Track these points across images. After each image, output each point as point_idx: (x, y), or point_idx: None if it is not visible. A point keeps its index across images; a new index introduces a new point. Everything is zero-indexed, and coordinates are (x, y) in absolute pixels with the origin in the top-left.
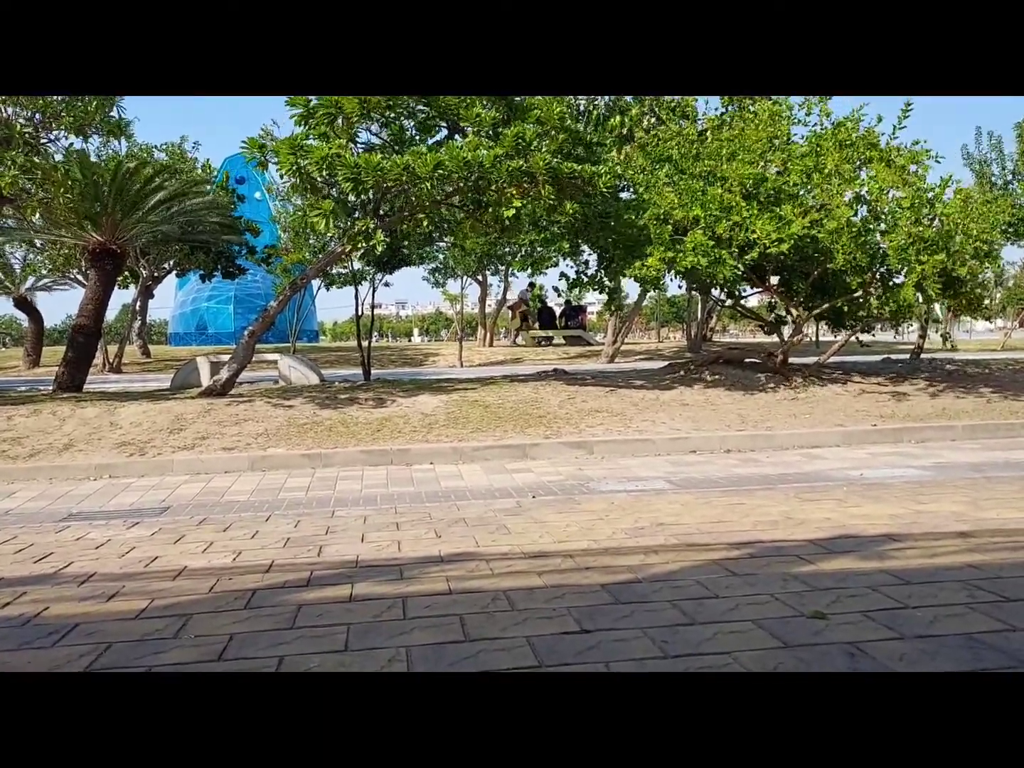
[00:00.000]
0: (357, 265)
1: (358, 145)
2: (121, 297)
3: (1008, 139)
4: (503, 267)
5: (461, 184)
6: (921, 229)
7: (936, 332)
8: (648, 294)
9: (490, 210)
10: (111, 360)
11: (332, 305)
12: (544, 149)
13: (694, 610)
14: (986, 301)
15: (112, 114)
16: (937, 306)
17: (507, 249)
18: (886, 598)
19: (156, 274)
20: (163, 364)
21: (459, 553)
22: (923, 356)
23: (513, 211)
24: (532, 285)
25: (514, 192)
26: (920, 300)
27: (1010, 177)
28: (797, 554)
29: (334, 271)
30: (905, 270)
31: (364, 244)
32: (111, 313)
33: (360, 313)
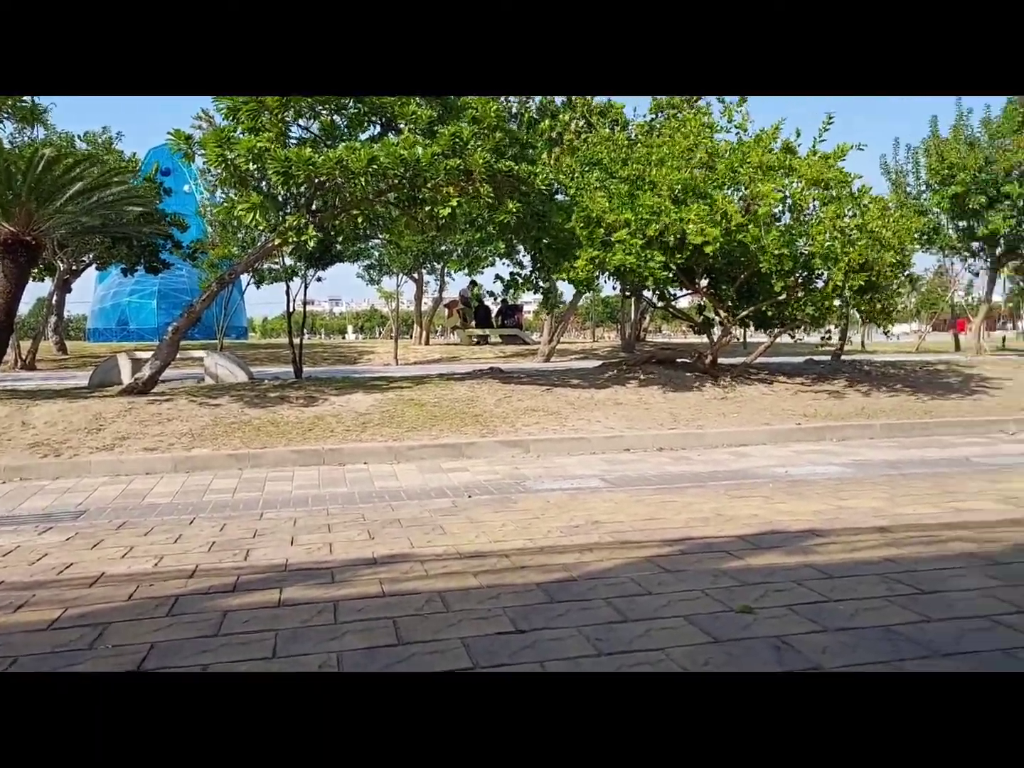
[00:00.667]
0: (288, 261)
1: (290, 139)
2: (36, 291)
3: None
4: (439, 266)
5: (396, 181)
6: (844, 223)
7: (857, 335)
8: (583, 295)
9: (426, 208)
10: (24, 357)
11: (262, 301)
12: (481, 148)
13: (628, 607)
14: (900, 307)
15: (24, 100)
16: (855, 311)
17: (444, 248)
18: (810, 592)
19: (75, 267)
20: (81, 361)
21: (393, 555)
22: (844, 358)
23: (449, 210)
24: (474, 284)
25: (451, 190)
26: (839, 301)
27: (923, 188)
28: (727, 550)
29: (264, 266)
30: (829, 268)
31: (295, 239)
32: (24, 307)
33: (292, 309)
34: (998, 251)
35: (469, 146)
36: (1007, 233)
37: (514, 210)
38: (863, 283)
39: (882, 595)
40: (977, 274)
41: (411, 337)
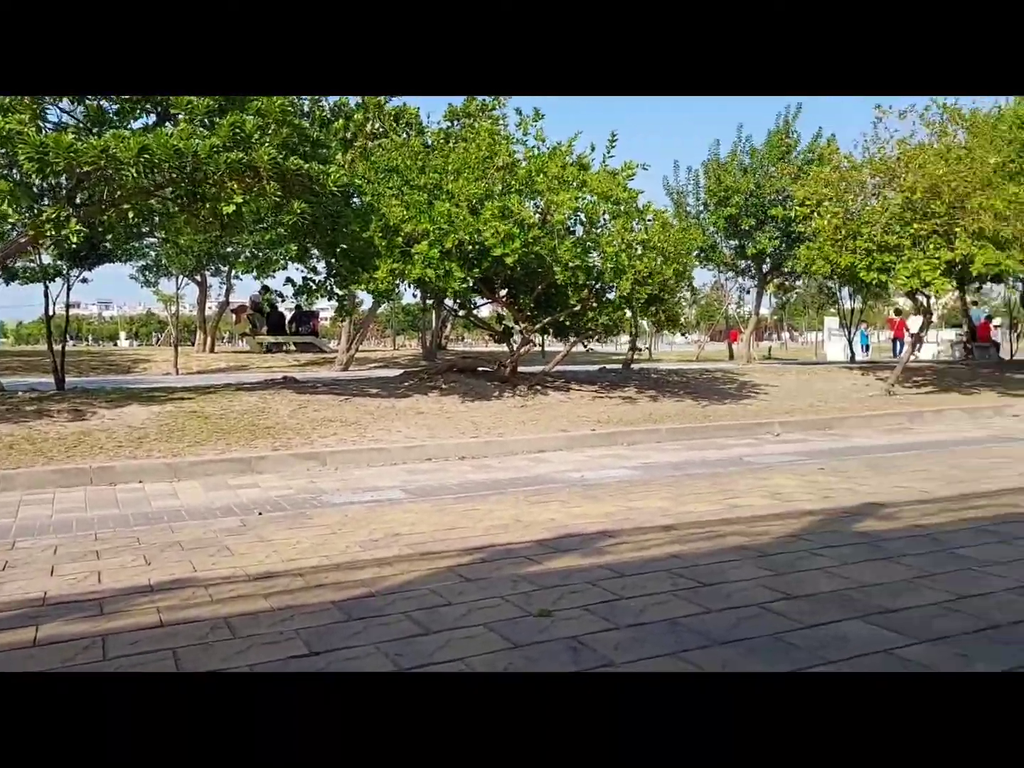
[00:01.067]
0: (47, 258)
1: (47, 123)
2: None
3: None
4: (225, 267)
5: (173, 174)
6: (632, 236)
7: (644, 345)
8: (383, 303)
9: (208, 204)
10: None
11: (15, 303)
12: (268, 143)
13: (428, 619)
14: (682, 318)
15: None
16: (644, 321)
17: (230, 249)
18: (604, 591)
19: None
20: None
21: (173, 580)
22: (633, 366)
23: (234, 207)
24: (266, 288)
25: (235, 187)
26: (629, 313)
27: (702, 208)
28: (526, 555)
29: (17, 264)
30: (618, 281)
31: (54, 234)
32: None
33: (52, 313)
34: (765, 269)
35: (254, 140)
36: (772, 252)
37: (300, 211)
38: (648, 295)
39: (668, 590)
40: (748, 290)
41: (194, 344)
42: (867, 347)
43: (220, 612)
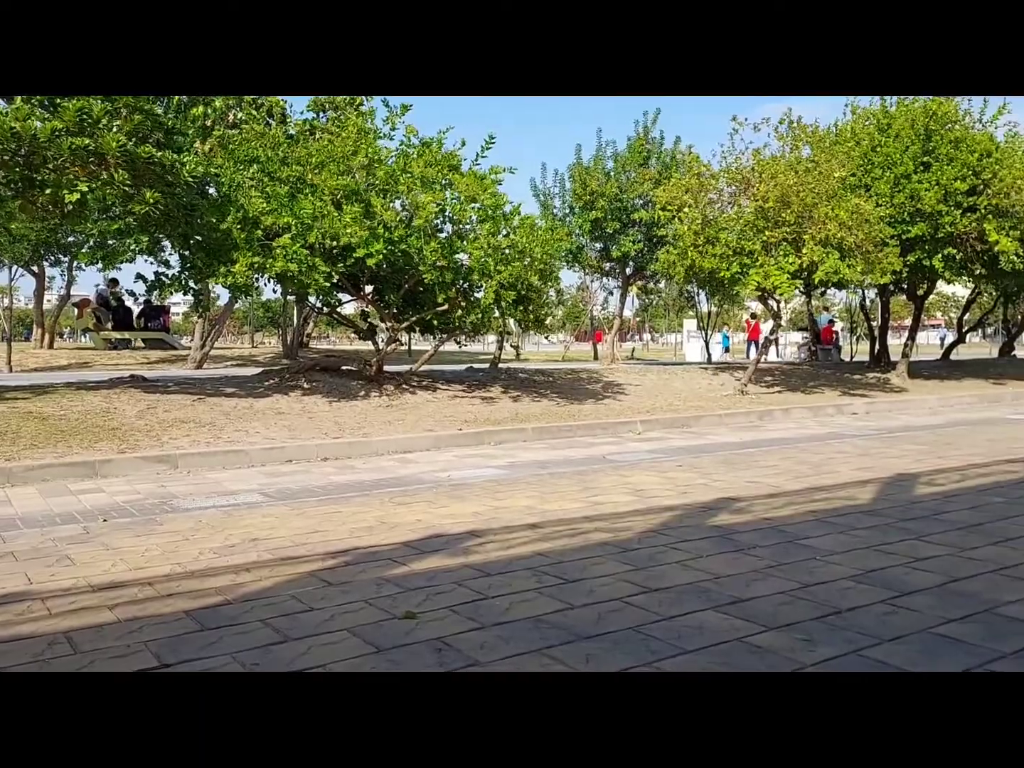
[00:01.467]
0: None
1: None
2: None
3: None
4: (66, 258)
5: (7, 157)
6: (499, 240)
7: (510, 344)
8: (241, 298)
9: (47, 191)
10: None
11: None
12: (116, 129)
13: (288, 626)
14: (549, 320)
15: None
16: (512, 321)
17: (72, 238)
18: (469, 591)
19: None
20: None
21: (5, 594)
22: (501, 365)
23: (78, 195)
24: (114, 281)
25: (79, 173)
26: (498, 313)
27: (568, 211)
28: (391, 557)
29: None
30: (484, 283)
31: None
32: None
33: None
34: (628, 271)
35: (102, 125)
36: (635, 255)
37: (152, 200)
38: (515, 296)
39: (533, 587)
40: (612, 292)
41: (31, 340)
42: (727, 348)
43: (59, 626)
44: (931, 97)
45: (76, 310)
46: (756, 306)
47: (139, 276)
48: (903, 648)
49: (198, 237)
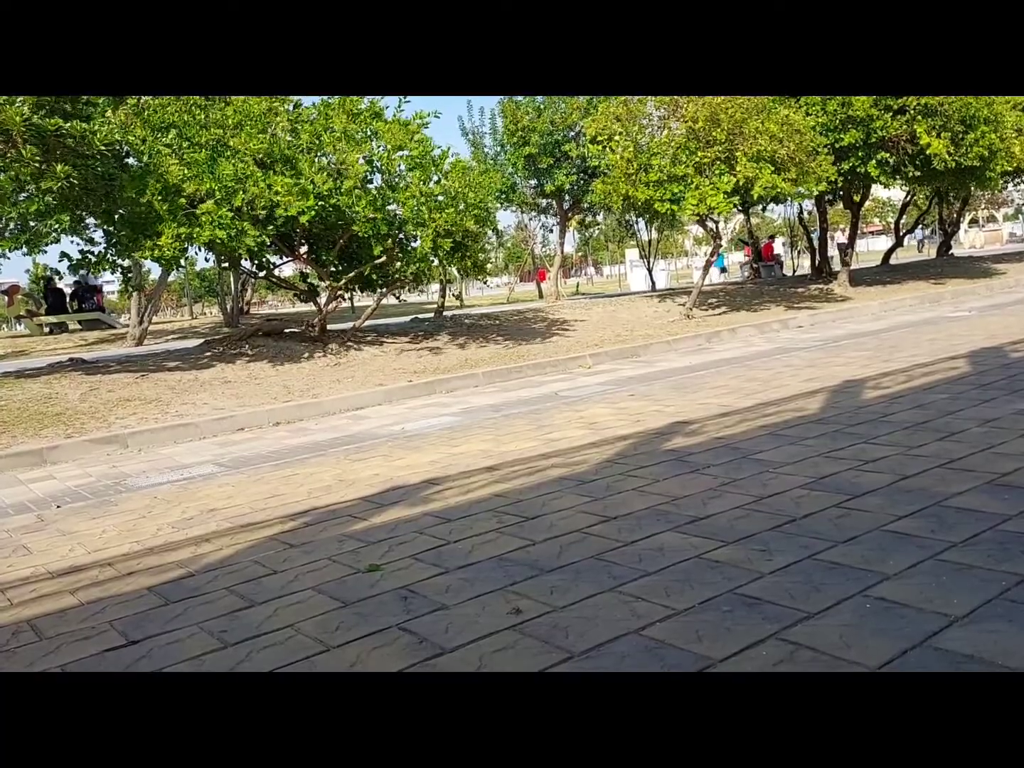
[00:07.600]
0: None
1: None
2: None
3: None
4: None
5: None
6: (431, 188)
7: (452, 294)
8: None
9: None
10: None
11: None
12: (20, 101)
13: (252, 591)
14: (489, 265)
15: None
16: (453, 268)
17: None
18: (431, 538)
19: None
20: None
21: None
22: (445, 313)
23: None
24: (46, 267)
25: None
26: (436, 261)
27: (499, 149)
28: (351, 514)
29: None
30: (420, 232)
31: None
32: None
33: None
34: (565, 206)
35: (3, 100)
36: (571, 189)
37: (64, 175)
38: (452, 244)
39: (494, 528)
40: (551, 229)
41: None
42: (724, 268)
43: (22, 615)
44: None
45: (6, 298)
46: (696, 230)
47: (63, 255)
48: (857, 548)
49: (121, 212)
